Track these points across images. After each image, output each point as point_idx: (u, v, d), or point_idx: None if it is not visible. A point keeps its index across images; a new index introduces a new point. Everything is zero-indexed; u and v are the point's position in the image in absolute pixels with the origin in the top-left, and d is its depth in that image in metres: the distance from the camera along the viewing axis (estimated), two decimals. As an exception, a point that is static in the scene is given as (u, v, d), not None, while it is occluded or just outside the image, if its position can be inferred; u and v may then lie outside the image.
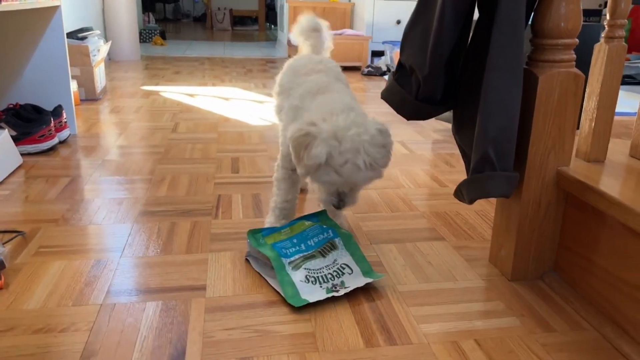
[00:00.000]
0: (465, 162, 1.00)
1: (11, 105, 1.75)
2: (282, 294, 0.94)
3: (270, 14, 8.36)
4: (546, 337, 0.86)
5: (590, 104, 0.99)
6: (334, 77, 1.14)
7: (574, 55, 0.91)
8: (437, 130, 2.19)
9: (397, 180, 1.57)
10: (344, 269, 0.99)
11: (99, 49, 2.61)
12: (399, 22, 4.11)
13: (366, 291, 0.97)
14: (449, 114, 2.12)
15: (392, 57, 3.78)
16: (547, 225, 0.99)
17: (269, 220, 1.17)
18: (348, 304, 0.93)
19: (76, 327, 0.84)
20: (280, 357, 0.79)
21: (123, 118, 2.24)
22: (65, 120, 1.84)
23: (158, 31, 5.54)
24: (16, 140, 1.63)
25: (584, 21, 2.46)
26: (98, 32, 2.78)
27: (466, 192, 0.93)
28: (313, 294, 0.94)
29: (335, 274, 0.98)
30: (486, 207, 1.38)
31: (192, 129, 2.09)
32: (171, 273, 1.01)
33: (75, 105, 2.34)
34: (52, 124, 1.72)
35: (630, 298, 0.83)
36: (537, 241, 1.00)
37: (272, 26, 8.33)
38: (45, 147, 1.71)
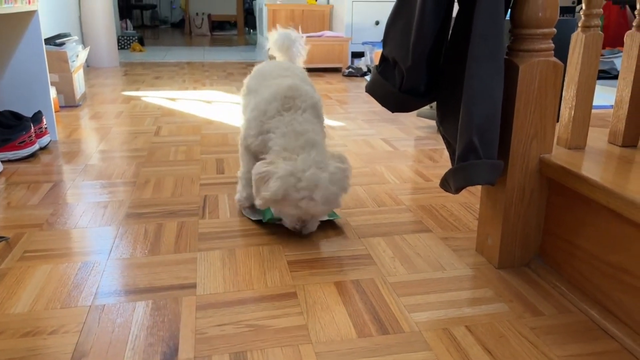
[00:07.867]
0: (449, 153, 1.01)
1: (-11, 112, 1.73)
2: (263, 218, 1.21)
3: (249, 18, 8.35)
4: (535, 321, 0.87)
5: (569, 93, 1.01)
6: (300, 80, 1.23)
7: (552, 45, 0.93)
8: (419, 127, 2.21)
9: (382, 176, 1.58)
10: None
11: (77, 54, 2.58)
12: (377, 22, 4.13)
13: (356, 283, 0.98)
14: (431, 111, 2.14)
15: (372, 57, 3.80)
16: (532, 212, 1.01)
17: (238, 189, 1.29)
18: (339, 296, 0.94)
19: (65, 328, 0.83)
20: (274, 350, 0.79)
21: (104, 123, 2.22)
22: (46, 126, 1.82)
23: (136, 37, 5.49)
24: (-5, 147, 1.61)
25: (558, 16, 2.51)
26: (76, 37, 2.75)
27: (452, 181, 0.94)
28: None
29: None
30: (470, 199, 1.40)
31: (174, 132, 2.07)
32: (160, 273, 1.00)
33: (55, 112, 2.31)
34: (32, 130, 1.70)
35: (615, 279, 0.85)
36: (523, 228, 1.02)
37: (252, 30, 8.31)
38: (26, 154, 1.68)
